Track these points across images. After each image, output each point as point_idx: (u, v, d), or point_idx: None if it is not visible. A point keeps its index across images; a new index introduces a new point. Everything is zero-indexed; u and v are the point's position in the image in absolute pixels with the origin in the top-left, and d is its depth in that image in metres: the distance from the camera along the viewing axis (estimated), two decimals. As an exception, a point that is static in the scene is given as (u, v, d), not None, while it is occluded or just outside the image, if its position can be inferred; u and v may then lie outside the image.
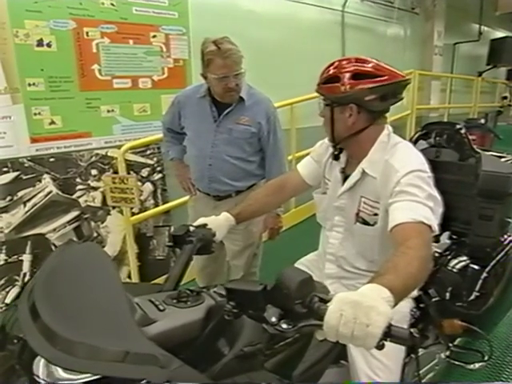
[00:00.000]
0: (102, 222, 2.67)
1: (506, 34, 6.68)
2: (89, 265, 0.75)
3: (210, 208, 1.91)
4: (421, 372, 1.30)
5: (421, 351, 1.31)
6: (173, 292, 0.87)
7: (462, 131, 1.63)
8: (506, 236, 1.57)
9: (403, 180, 1.00)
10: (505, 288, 1.48)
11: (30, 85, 2.27)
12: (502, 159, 1.57)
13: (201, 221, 1.19)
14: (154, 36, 2.72)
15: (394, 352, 1.10)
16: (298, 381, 1.00)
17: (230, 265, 2.00)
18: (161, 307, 0.77)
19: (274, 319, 0.66)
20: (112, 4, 2.49)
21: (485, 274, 1.43)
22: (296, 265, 1.44)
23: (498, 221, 1.43)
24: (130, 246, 2.61)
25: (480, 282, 1.42)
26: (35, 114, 2.32)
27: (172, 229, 1.01)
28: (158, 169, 2.94)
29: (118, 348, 0.54)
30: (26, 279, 2.36)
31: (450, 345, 1.41)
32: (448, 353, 1.41)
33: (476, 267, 1.45)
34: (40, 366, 0.59)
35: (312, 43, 3.96)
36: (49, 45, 2.30)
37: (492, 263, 1.46)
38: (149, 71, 2.75)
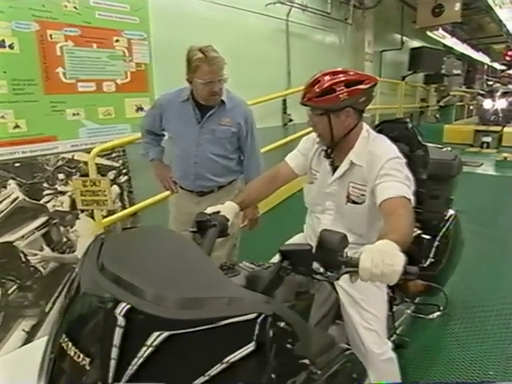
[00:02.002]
0: (71, 227, 2.64)
1: (423, 44, 7.61)
2: (162, 238, 0.87)
3: (193, 204, 2.04)
4: (395, 324, 1.58)
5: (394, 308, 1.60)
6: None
7: (410, 127, 1.97)
8: (449, 211, 1.93)
9: (386, 165, 1.25)
10: (451, 251, 1.83)
11: (-8, 88, 2.19)
12: (443, 150, 1.94)
13: (213, 209, 1.33)
14: (117, 40, 2.75)
15: (381, 306, 1.36)
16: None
17: (235, 247, 2.11)
18: None
19: (321, 270, 0.85)
20: (75, 7, 2.48)
21: (437, 243, 1.76)
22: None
23: (444, 199, 1.78)
24: (103, 249, 2.61)
25: (433, 249, 1.76)
26: (-2, 118, 2.25)
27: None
28: (124, 171, 2.97)
29: (223, 294, 0.68)
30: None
31: (414, 302, 1.72)
32: (413, 308, 1.71)
33: (428, 237, 1.78)
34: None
35: (260, 49, 4.22)
36: (11, 46, 2.24)
37: (441, 234, 1.80)
38: (112, 75, 2.77)
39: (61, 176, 2.57)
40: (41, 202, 2.47)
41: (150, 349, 0.66)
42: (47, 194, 2.50)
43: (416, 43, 7.70)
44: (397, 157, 1.29)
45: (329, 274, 0.86)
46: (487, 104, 6.94)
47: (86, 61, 2.59)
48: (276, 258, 1.57)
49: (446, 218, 1.85)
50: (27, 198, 2.40)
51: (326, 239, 0.85)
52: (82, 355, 0.70)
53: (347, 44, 5.81)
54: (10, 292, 2.33)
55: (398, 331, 1.64)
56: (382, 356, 1.29)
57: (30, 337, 2.40)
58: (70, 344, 0.74)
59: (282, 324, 0.66)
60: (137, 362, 0.67)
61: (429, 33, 7.58)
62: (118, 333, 0.68)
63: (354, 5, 5.57)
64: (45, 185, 2.49)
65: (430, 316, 1.70)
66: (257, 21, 4.15)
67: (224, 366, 0.64)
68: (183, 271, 0.76)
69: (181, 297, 0.68)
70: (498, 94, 6.94)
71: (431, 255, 1.74)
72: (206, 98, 1.84)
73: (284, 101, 4.73)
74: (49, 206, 2.51)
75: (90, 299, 0.82)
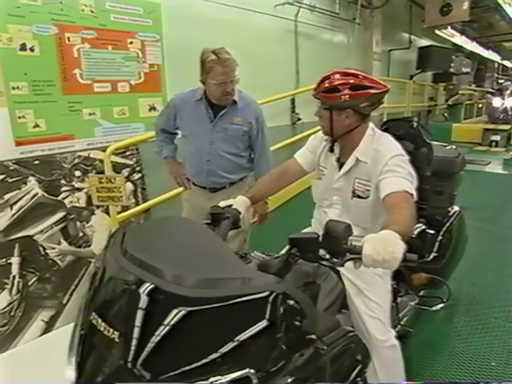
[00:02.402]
0: (87, 222, 2.74)
1: (431, 43, 7.60)
2: (181, 226, 0.95)
3: (205, 199, 2.12)
4: (399, 315, 1.64)
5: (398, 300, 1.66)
6: None
7: (415, 125, 2.03)
8: (454, 207, 1.98)
9: (390, 162, 1.32)
10: (454, 246, 1.88)
11: (13, 88, 2.30)
12: (447, 147, 1.99)
13: (226, 202, 1.41)
14: (131, 42, 2.85)
15: (385, 296, 1.43)
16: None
17: (245, 241, 2.18)
18: None
19: (327, 256, 0.93)
20: (91, 11, 2.58)
21: (440, 237, 1.82)
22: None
23: (448, 195, 1.84)
24: (117, 244, 2.71)
25: (437, 243, 1.82)
26: (19, 118, 2.36)
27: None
28: (137, 169, 3.07)
29: (238, 276, 0.76)
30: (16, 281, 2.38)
31: (417, 295, 1.79)
32: (416, 301, 1.78)
33: (432, 232, 1.84)
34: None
35: (270, 49, 4.29)
36: (32, 49, 2.35)
37: (444, 229, 1.86)
38: (127, 76, 2.87)
39: (77, 173, 2.67)
40: (59, 198, 2.58)
41: (172, 324, 0.74)
42: (65, 191, 2.61)
43: (424, 42, 7.70)
44: (400, 154, 1.36)
45: (334, 260, 0.93)
46: (496, 102, 6.92)
47: (101, 62, 2.69)
48: (285, 250, 1.66)
49: (450, 213, 1.91)
50: (46, 194, 2.51)
51: (332, 228, 0.92)
52: (111, 330, 0.79)
53: (355, 43, 5.85)
54: (30, 283, 2.44)
55: (402, 322, 1.70)
56: (385, 343, 1.36)
57: (48, 327, 2.51)
58: (100, 320, 0.82)
59: (292, 302, 0.74)
60: (158, 335, 0.75)
61: (437, 31, 7.57)
62: (141, 310, 0.76)
63: (362, 4, 5.60)
64: (62, 181, 2.60)
65: (434, 308, 1.76)
66: (266, 22, 4.22)
67: (239, 339, 0.71)
68: (201, 255, 0.84)
69: (200, 277, 0.76)
70: (508, 92, 6.90)
71: (435, 249, 1.80)
72: (218, 98, 1.92)
73: (293, 100, 4.80)
74: (66, 201, 2.62)
75: (116, 281, 0.91)
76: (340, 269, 1.40)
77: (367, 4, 5.71)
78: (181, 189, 2.84)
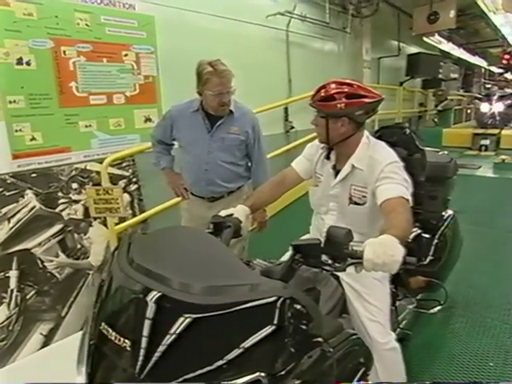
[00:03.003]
0: (85, 234, 2.74)
1: (420, 50, 7.77)
2: (186, 235, 0.97)
3: (204, 209, 2.14)
4: (398, 319, 1.67)
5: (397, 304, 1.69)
6: None
7: (408, 132, 2.08)
8: (448, 211, 2.03)
9: (386, 169, 1.36)
10: (450, 249, 1.92)
11: (10, 102, 2.32)
12: (439, 153, 2.04)
13: (226, 211, 1.44)
14: (126, 55, 2.88)
15: (384, 299, 1.46)
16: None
17: (244, 249, 2.21)
18: None
19: (330, 261, 0.96)
20: (87, 24, 2.62)
21: (436, 241, 1.86)
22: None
23: (442, 199, 1.88)
24: (115, 255, 2.71)
25: (433, 247, 1.85)
26: (16, 131, 2.37)
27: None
28: (134, 180, 3.08)
29: (246, 282, 0.78)
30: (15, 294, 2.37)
31: (416, 298, 1.82)
32: (414, 304, 1.81)
33: (428, 236, 1.88)
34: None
35: (262, 59, 4.36)
36: (28, 63, 2.37)
37: (439, 232, 1.90)
38: (122, 87, 2.90)
39: (74, 185, 2.68)
40: (56, 210, 2.58)
41: (182, 331, 0.76)
42: (62, 203, 2.61)
43: (413, 49, 7.87)
44: (395, 161, 1.40)
45: (336, 265, 0.96)
46: (484, 107, 7.06)
47: (97, 75, 2.72)
48: (285, 257, 1.68)
49: (445, 217, 1.95)
50: (43, 207, 2.51)
51: (333, 234, 0.95)
52: (122, 338, 0.80)
53: (346, 52, 5.96)
54: (28, 297, 2.42)
55: (401, 325, 1.73)
56: (386, 345, 1.39)
57: (47, 340, 2.49)
58: (110, 330, 0.84)
59: (298, 306, 0.76)
60: (169, 343, 0.77)
61: (425, 38, 7.74)
62: (151, 318, 0.78)
63: (351, 14, 5.72)
64: (60, 194, 2.60)
65: (431, 311, 1.79)
66: (258, 32, 4.29)
67: (248, 344, 0.74)
68: (208, 262, 0.86)
69: (208, 284, 0.79)
70: (495, 97, 7.06)
71: (431, 253, 1.84)
72: (215, 108, 1.95)
73: (286, 109, 4.86)
74: (64, 214, 2.62)
75: (124, 291, 0.93)
76: (339, 273, 1.43)
77: (357, 13, 5.83)
78: (177, 199, 2.85)
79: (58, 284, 2.57)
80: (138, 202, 3.11)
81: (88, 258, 2.75)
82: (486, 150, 6.36)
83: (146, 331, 0.78)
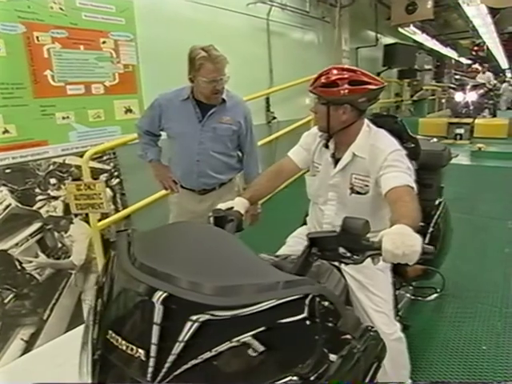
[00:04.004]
0: (66, 232, 2.60)
1: (395, 41, 7.85)
2: (196, 231, 0.90)
3: (195, 202, 2.07)
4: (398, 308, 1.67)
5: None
6: None
7: (399, 120, 2.07)
8: (440, 199, 2.04)
9: (389, 157, 1.33)
10: (443, 236, 1.94)
11: (-21, 92, 2.14)
12: (431, 141, 2.05)
13: (226, 205, 1.37)
14: (104, 42, 2.72)
15: (387, 289, 1.45)
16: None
17: None
18: None
19: (348, 254, 0.92)
20: (61, 9, 2.44)
21: (431, 229, 1.87)
22: (288, 239, 1.71)
23: (436, 188, 1.88)
24: (99, 252, 2.59)
25: (428, 235, 1.86)
26: (-13, 124, 2.19)
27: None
28: (116, 174, 2.95)
29: (271, 280, 0.73)
30: None
31: (413, 286, 1.82)
32: (411, 292, 1.81)
33: (423, 224, 1.88)
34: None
35: (243, 48, 4.25)
36: (-3, 50, 2.19)
37: (433, 220, 1.91)
38: (101, 77, 2.74)
39: (53, 181, 2.53)
40: (34, 207, 2.43)
41: (209, 336, 0.69)
42: (40, 200, 2.46)
43: (389, 40, 7.93)
44: (398, 149, 1.37)
45: (355, 257, 0.92)
46: (458, 97, 7.24)
47: (74, 63, 2.55)
48: (282, 251, 1.63)
49: (438, 205, 1.96)
50: (20, 205, 2.36)
51: (351, 225, 0.91)
52: (134, 347, 0.73)
53: (325, 42, 5.92)
54: (6, 301, 2.28)
55: (400, 314, 1.72)
56: (391, 336, 1.37)
57: (28, 346, 2.36)
58: (120, 338, 0.76)
59: (327, 303, 0.72)
60: (194, 349, 0.70)
61: (400, 29, 7.83)
62: (170, 323, 0.71)
63: (330, 3, 5.68)
64: (37, 190, 2.44)
65: (428, 298, 1.80)
66: (239, 20, 4.18)
67: (276, 346, 0.68)
68: (226, 260, 0.80)
69: (228, 284, 0.72)
70: (469, 87, 7.24)
71: (426, 241, 1.84)
72: (208, 96, 1.87)
73: (267, 99, 4.79)
74: (42, 211, 2.47)
75: (129, 294, 0.85)
76: (342, 266, 1.40)
77: (335, 3, 5.80)
78: (162, 193, 2.76)
79: (39, 286, 2.43)
80: (120, 196, 2.99)
81: (70, 257, 2.61)
82: (460, 139, 6.53)
83: (162, 338, 0.71)
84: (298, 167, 1.62)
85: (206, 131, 1.94)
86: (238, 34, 4.19)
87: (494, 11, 7.46)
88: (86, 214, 2.57)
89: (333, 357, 0.71)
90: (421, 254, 0.92)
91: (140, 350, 0.72)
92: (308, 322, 0.68)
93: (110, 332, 0.79)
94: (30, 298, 2.39)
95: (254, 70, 4.53)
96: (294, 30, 5.21)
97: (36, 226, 2.43)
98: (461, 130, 6.58)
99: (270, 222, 2.42)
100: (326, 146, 1.51)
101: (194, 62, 1.78)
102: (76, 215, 2.61)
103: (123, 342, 0.75)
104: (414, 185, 1.28)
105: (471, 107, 7.02)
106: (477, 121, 6.69)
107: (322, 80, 1.38)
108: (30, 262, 2.40)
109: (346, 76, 1.34)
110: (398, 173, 1.30)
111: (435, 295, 1.79)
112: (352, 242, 0.92)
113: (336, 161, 1.49)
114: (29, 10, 2.30)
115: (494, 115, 8.02)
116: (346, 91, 1.34)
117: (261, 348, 0.67)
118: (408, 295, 1.82)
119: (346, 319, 0.75)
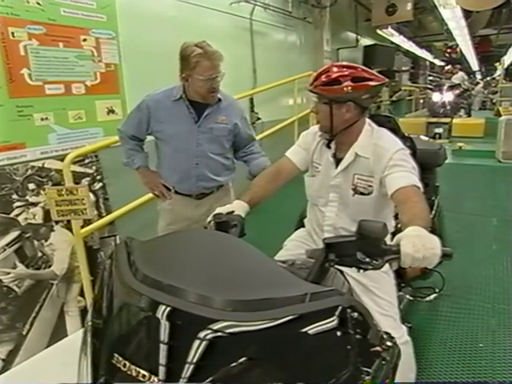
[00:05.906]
0: (46, 240, 2.46)
1: (374, 42, 7.97)
2: (207, 239, 0.82)
3: (191, 208, 1.98)
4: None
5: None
6: None
7: (393, 119, 2.06)
8: (435, 198, 2.04)
9: (394, 156, 1.29)
10: (439, 235, 1.92)
11: (-51, 92, 1.99)
12: (425, 140, 2.04)
13: (226, 208, 1.30)
14: (85, 39, 2.59)
15: (392, 292, 1.41)
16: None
17: None
18: None
19: (367, 259, 0.87)
20: (38, 3, 2.31)
21: (429, 228, 1.85)
22: (287, 242, 1.66)
23: (432, 186, 1.87)
24: (82, 261, 2.46)
25: (426, 234, 1.84)
26: (-42, 126, 2.04)
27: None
28: (98, 178, 2.82)
29: (297, 292, 0.66)
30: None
31: (412, 287, 1.80)
32: (411, 293, 1.79)
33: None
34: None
35: (226, 48, 4.17)
36: (-31, 46, 2.04)
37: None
38: (81, 76, 2.61)
39: (31, 186, 2.38)
40: (11, 215, 2.27)
41: (236, 353, 0.63)
42: (18, 207, 2.31)
43: (367, 41, 8.04)
44: (402, 148, 1.34)
45: (374, 262, 0.87)
46: (436, 97, 7.41)
47: (52, 61, 2.41)
48: (279, 256, 1.57)
49: (434, 204, 1.96)
50: (-4, 212, 2.20)
51: (369, 229, 0.86)
52: (147, 374, 0.65)
53: (307, 42, 5.92)
54: (-18, 316, 2.12)
55: (402, 316, 1.70)
56: (400, 340, 1.33)
57: (6, 364, 2.20)
58: (128, 363, 0.68)
59: (356, 314, 0.66)
60: (222, 368, 0.64)
61: (379, 31, 7.94)
62: (187, 342, 0.64)
63: (312, 4, 5.69)
64: (14, 196, 2.29)
65: (427, 298, 1.79)
66: (222, 19, 4.11)
67: (305, 363, 0.62)
68: (247, 271, 0.73)
69: (252, 298, 0.65)
70: (445, 87, 7.43)
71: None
72: (204, 95, 1.78)
73: (251, 99, 4.73)
74: (20, 219, 2.32)
75: (134, 310, 0.77)
76: (343, 268, 1.36)
77: (317, 3, 5.81)
78: (148, 196, 2.65)
79: (17, 299, 2.28)
80: (103, 201, 2.85)
81: (50, 266, 2.46)
82: (439, 138, 6.67)
83: (177, 359, 0.64)
84: (298, 168, 1.56)
85: (203, 132, 1.85)
86: (221, 33, 4.11)
87: (467, 14, 7.68)
88: (68, 221, 2.43)
89: (366, 370, 0.65)
90: (440, 257, 0.88)
91: (155, 378, 0.64)
92: (339, 338, 0.62)
93: (116, 356, 0.70)
94: (8, 313, 2.24)
95: (238, 70, 4.47)
96: (277, 31, 5.18)
97: (13, 234, 2.28)
98: (440, 130, 6.73)
99: (262, 224, 2.36)
100: (328, 146, 1.47)
101: (189, 59, 1.68)
102: (57, 222, 2.47)
103: (132, 367, 0.67)
104: (420, 184, 1.25)
105: (448, 107, 7.20)
106: (454, 120, 6.87)
107: (323, 78, 1.33)
108: (8, 273, 2.25)
109: (347, 73, 1.30)
110: (404, 172, 1.27)
111: (434, 295, 1.77)
112: (371, 246, 0.87)
113: (337, 161, 1.45)
114: (2, 3, 2.15)
115: (469, 115, 8.27)
116: (350, 88, 1.29)
117: (286, 367, 0.61)
118: (408, 296, 1.80)
119: (376, 330, 0.70)
